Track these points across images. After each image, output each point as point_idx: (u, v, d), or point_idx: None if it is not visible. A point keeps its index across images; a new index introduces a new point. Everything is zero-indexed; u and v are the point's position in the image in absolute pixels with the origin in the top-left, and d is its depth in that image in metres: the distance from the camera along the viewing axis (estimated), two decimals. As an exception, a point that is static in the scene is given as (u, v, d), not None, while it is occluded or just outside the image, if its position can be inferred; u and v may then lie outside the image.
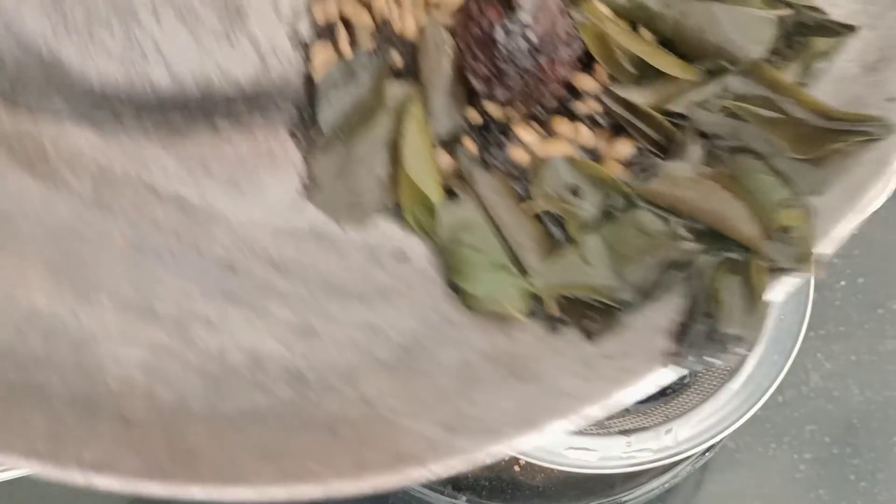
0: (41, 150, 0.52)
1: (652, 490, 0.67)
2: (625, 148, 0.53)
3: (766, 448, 0.63)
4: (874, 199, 0.50)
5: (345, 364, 0.50)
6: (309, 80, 0.56)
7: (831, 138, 0.50)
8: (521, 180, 0.54)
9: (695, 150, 0.51)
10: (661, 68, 0.53)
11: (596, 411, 0.48)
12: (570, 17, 0.53)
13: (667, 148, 0.52)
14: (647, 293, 0.51)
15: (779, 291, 0.49)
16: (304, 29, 0.56)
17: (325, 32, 0.56)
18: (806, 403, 0.63)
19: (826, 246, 0.50)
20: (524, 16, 0.51)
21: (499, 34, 0.51)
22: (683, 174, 0.51)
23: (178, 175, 0.54)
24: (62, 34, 0.54)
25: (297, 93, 0.56)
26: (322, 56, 0.55)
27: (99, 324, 0.49)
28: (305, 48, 0.56)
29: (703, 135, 0.52)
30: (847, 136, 0.50)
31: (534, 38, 0.51)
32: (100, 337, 0.48)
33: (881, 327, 0.64)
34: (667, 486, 0.67)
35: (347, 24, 0.56)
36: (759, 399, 0.63)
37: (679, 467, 0.67)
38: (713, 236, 0.50)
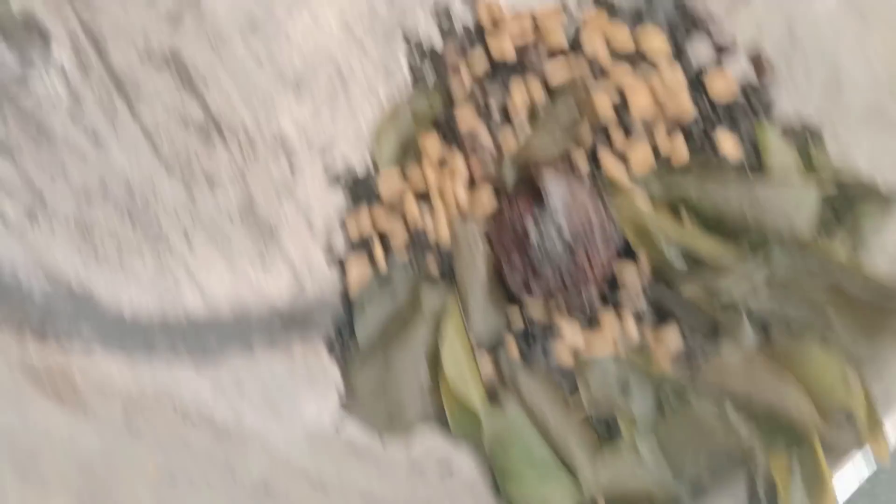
0: (70, 380, 0.51)
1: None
2: (673, 337, 0.51)
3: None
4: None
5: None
6: (345, 295, 0.55)
7: (888, 311, 0.47)
8: (566, 379, 0.51)
9: (745, 334, 0.49)
10: (703, 253, 0.51)
11: None
12: (605, 209, 0.51)
13: (716, 333, 0.50)
14: (705, 487, 0.47)
15: (844, 476, 0.46)
16: (338, 244, 0.55)
17: (360, 245, 0.55)
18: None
19: (893, 425, 0.47)
20: (556, 212, 0.50)
21: (532, 233, 0.50)
22: (735, 359, 0.48)
23: (211, 398, 0.52)
24: (92, 265, 0.54)
25: (333, 308, 0.55)
26: (357, 269, 0.54)
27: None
28: (340, 263, 0.55)
29: (753, 316, 0.49)
30: (905, 307, 0.47)
31: (567, 234, 0.50)
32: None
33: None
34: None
35: (381, 236, 0.55)
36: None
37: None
38: (770, 422, 0.47)
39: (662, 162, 0.53)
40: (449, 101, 0.55)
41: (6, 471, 0.47)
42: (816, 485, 0.45)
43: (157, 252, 0.54)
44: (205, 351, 0.53)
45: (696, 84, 0.54)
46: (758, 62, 0.54)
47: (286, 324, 0.54)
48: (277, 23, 0.55)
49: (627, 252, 0.52)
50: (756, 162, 0.53)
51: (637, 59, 0.54)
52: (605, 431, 0.50)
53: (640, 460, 0.49)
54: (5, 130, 0.54)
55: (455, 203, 0.54)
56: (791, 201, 0.50)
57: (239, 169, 0.55)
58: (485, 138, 0.54)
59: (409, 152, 0.55)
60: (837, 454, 0.46)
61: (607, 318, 0.52)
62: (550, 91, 0.54)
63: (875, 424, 0.46)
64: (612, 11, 0.54)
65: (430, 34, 0.56)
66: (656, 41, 0.53)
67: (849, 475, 0.46)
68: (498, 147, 0.54)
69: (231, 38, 0.55)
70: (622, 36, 0.53)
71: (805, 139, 0.53)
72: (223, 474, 0.50)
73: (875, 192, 0.51)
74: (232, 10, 0.54)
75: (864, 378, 0.47)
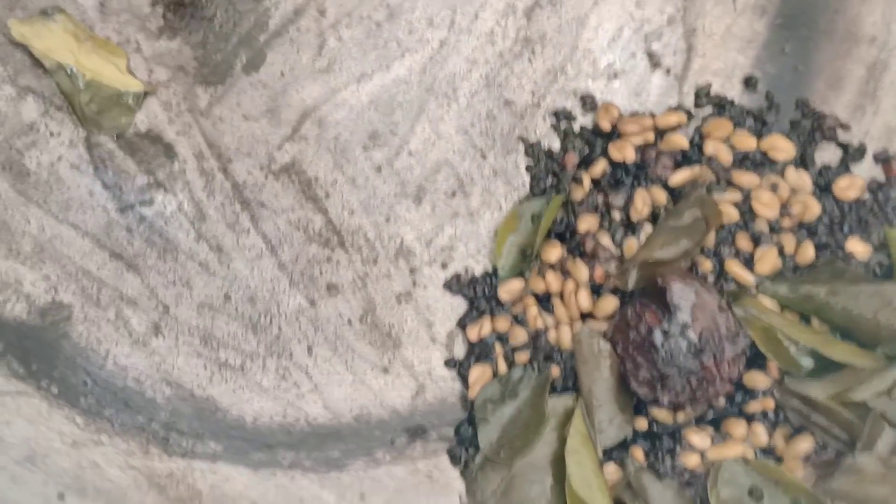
0: (195, 491, 0.51)
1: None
2: (805, 444, 0.49)
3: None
4: None
5: None
6: (466, 399, 0.54)
7: None
8: (694, 484, 0.50)
9: (881, 441, 0.47)
10: (835, 358, 0.49)
11: None
12: (732, 313, 0.50)
13: (850, 441, 0.48)
14: None
15: None
16: (459, 348, 0.55)
17: (480, 350, 0.55)
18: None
19: None
20: (682, 316, 0.49)
21: (657, 337, 0.49)
22: (871, 468, 0.47)
23: (335, 509, 0.52)
24: (216, 374, 0.54)
25: (454, 413, 0.54)
26: (478, 374, 0.54)
27: None
28: (460, 367, 0.55)
29: (889, 423, 0.48)
30: None
31: (694, 339, 0.49)
32: None
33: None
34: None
35: (502, 340, 0.54)
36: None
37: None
38: (912, 534, 0.46)
39: (789, 263, 0.52)
40: (569, 204, 0.55)
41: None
42: None
43: (279, 360, 0.55)
44: (328, 463, 0.53)
45: (823, 185, 0.53)
46: (886, 163, 0.53)
47: (408, 429, 0.54)
48: (399, 134, 0.55)
49: (755, 355, 0.51)
50: (886, 263, 0.52)
51: (761, 161, 0.53)
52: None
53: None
54: (131, 245, 0.54)
55: (577, 308, 0.53)
56: (924, 303, 0.49)
57: (360, 276, 0.55)
58: (605, 240, 0.53)
59: (529, 256, 0.55)
60: None
61: (737, 425, 0.51)
62: (672, 191, 0.53)
63: None
64: (735, 115, 0.54)
65: (549, 137, 0.56)
66: (781, 144, 0.53)
67: None
68: (619, 249, 0.53)
69: (352, 149, 0.55)
70: (746, 141, 0.53)
71: (937, 239, 0.52)
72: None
73: None
74: (354, 122, 0.55)
75: None
